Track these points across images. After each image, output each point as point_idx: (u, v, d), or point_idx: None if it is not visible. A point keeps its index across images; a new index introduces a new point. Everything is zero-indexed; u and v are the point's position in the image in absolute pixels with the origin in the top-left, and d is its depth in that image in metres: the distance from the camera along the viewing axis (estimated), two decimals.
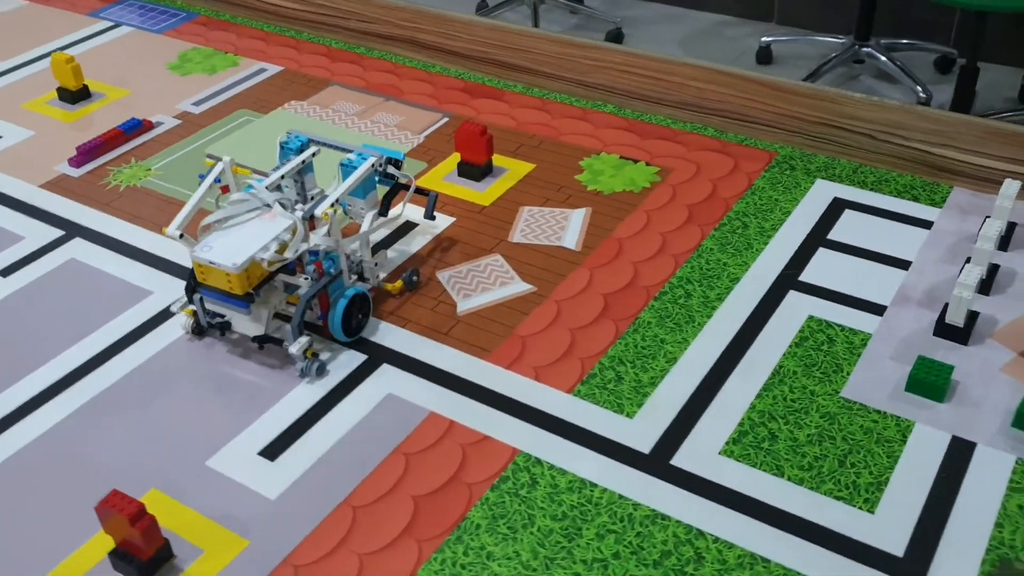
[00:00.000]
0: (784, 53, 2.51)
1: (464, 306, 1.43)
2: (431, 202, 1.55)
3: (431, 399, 1.27)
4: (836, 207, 1.60)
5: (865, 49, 4.43)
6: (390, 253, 1.55)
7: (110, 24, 2.43)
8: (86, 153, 1.85)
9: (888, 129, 1.66)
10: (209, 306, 1.35)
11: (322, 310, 1.35)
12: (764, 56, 2.47)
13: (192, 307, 1.37)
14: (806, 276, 1.45)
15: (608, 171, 1.74)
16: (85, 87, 2.08)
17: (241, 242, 1.28)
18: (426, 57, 2.15)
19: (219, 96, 2.07)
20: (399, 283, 1.46)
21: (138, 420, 1.26)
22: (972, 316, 1.32)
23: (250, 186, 1.37)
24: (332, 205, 1.31)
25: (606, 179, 1.71)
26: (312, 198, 1.41)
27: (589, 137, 1.84)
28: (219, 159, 1.41)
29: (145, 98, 2.07)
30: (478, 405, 1.25)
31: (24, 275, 1.54)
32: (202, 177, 1.38)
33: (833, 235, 1.53)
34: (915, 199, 1.60)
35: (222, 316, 1.36)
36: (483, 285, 1.47)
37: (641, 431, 1.20)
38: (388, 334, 1.38)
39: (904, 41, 4.62)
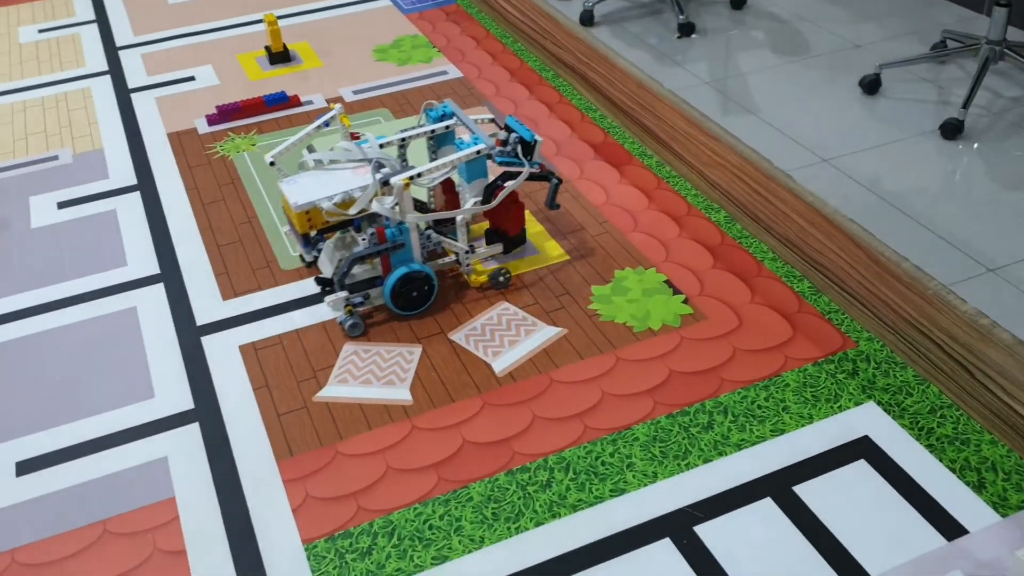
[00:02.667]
0: None
1: (324, 393, 1.26)
2: (552, 190, 1.42)
3: (188, 481, 1.14)
4: (853, 450, 1.12)
5: None
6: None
7: None
8: (222, 114, 1.94)
9: (989, 371, 1.11)
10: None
11: (383, 276, 1.36)
12: None
13: None
14: (708, 529, 1.04)
15: (633, 292, 1.39)
16: (285, 50, 2.17)
17: (317, 186, 1.33)
18: (593, 98, 1.90)
19: (381, 90, 2.03)
20: (484, 277, 1.42)
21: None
22: None
23: (365, 139, 1.39)
24: (411, 178, 1.29)
25: (620, 303, 1.38)
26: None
27: (659, 246, 1.49)
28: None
29: (328, 74, 2.11)
30: (215, 515, 1.10)
31: (71, 212, 1.67)
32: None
33: (806, 489, 1.08)
34: (980, 486, 1.06)
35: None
36: (371, 376, 1.27)
37: None
38: (236, 387, 1.26)
39: None
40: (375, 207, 1.28)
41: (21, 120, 1.98)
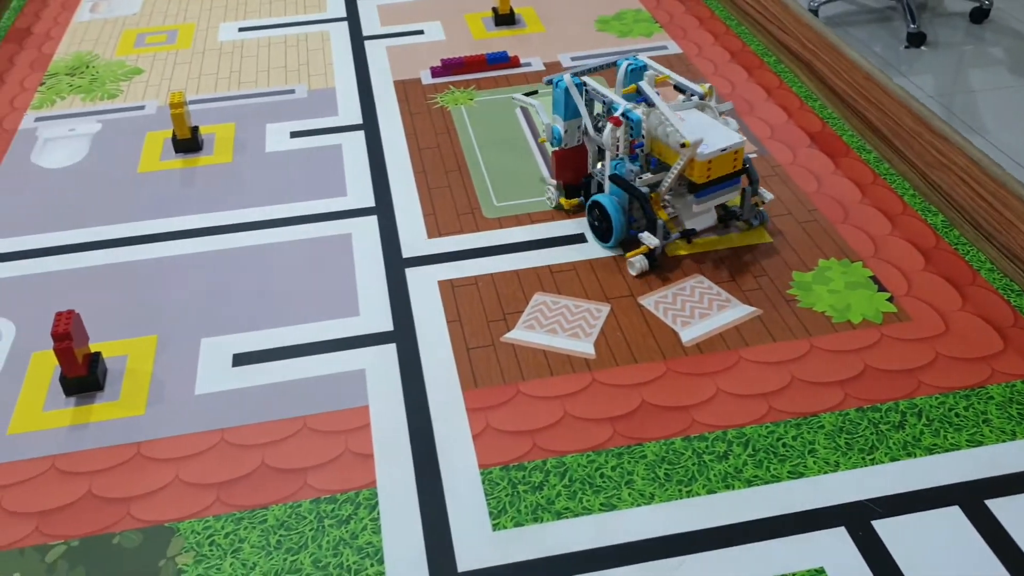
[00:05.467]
0: None
1: (512, 335, 1.30)
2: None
3: (381, 394, 1.21)
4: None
5: None
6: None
7: None
8: (446, 67, 2.02)
9: None
10: (703, 206, 1.38)
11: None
12: None
13: (648, 243, 1.38)
14: (886, 525, 1.01)
15: (836, 283, 1.36)
16: (510, 13, 2.23)
17: (708, 130, 1.35)
18: (814, 86, 1.85)
19: (598, 59, 2.05)
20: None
21: (224, 281, 1.43)
22: None
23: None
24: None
25: (821, 292, 1.35)
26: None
27: (868, 241, 1.44)
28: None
29: (548, 39, 2.15)
30: (403, 428, 1.16)
31: (301, 142, 1.79)
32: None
33: (1001, 505, 1.02)
34: None
35: (676, 233, 1.40)
36: (557, 326, 1.31)
37: (476, 553, 1.01)
38: (432, 317, 1.33)
39: None
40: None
41: (265, 55, 2.13)
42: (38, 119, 1.91)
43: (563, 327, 1.31)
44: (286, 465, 1.12)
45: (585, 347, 1.27)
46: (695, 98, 1.43)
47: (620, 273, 1.40)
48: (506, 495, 1.07)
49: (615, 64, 1.48)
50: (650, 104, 1.37)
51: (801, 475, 1.07)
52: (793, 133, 1.73)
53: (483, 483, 1.08)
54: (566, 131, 1.46)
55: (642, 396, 1.19)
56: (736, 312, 1.32)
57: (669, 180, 1.35)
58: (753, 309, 1.32)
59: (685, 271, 1.40)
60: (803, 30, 1.91)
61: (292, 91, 1.98)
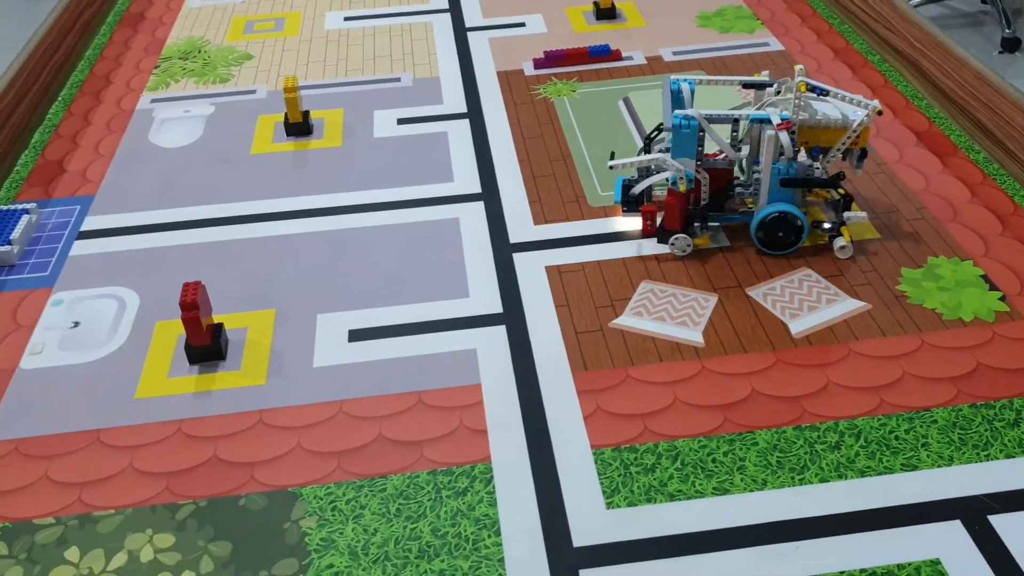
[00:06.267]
0: None
1: (620, 321, 1.32)
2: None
3: (493, 373, 1.24)
4: None
5: None
6: None
7: None
8: (548, 59, 2.05)
9: None
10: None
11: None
12: None
13: (859, 220, 1.42)
14: (1003, 521, 1.00)
15: (946, 281, 1.35)
16: (613, 7, 2.25)
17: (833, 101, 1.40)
18: (919, 85, 1.82)
19: (700, 54, 2.06)
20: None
21: (337, 260, 1.48)
22: None
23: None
24: None
25: (931, 288, 1.34)
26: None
27: (979, 240, 1.43)
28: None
29: (649, 33, 2.17)
30: (514, 407, 1.19)
31: (408, 128, 1.84)
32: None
33: None
34: None
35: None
36: (665, 314, 1.32)
37: (591, 530, 1.03)
38: (541, 301, 1.36)
39: None
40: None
41: (371, 43, 2.19)
42: (154, 100, 1.99)
43: (671, 315, 1.32)
44: (403, 437, 1.16)
45: (694, 335, 1.29)
46: (778, 87, 1.43)
47: (727, 263, 1.41)
48: (618, 475, 1.09)
49: (674, 90, 1.43)
50: (824, 93, 1.38)
51: (915, 468, 1.08)
52: (899, 132, 1.72)
53: (595, 463, 1.11)
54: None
55: (752, 385, 1.20)
56: (845, 306, 1.32)
57: (837, 157, 1.39)
58: (862, 303, 1.32)
59: (793, 264, 1.41)
60: (909, 28, 1.88)
61: (398, 79, 2.03)
